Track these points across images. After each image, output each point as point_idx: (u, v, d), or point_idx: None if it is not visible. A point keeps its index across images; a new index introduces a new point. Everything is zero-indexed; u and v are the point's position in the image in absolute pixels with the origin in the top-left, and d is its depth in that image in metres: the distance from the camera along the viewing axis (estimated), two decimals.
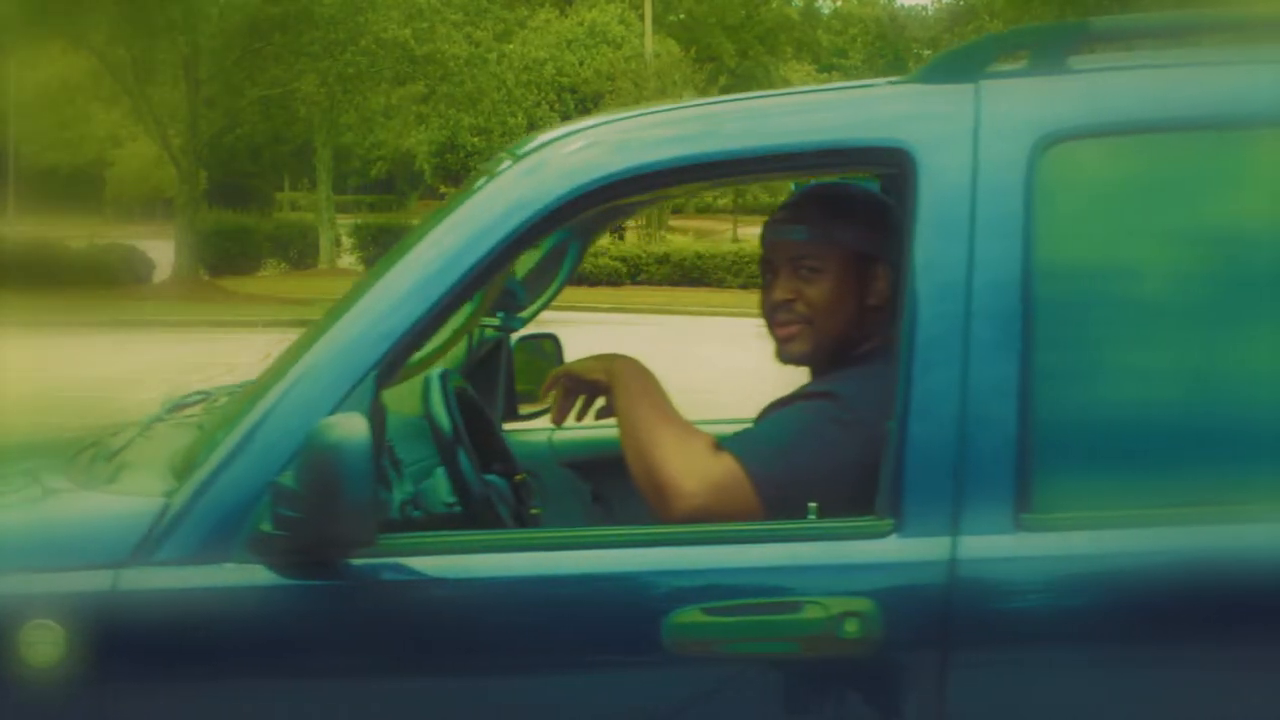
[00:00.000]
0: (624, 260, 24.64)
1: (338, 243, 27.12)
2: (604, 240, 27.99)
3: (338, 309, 1.99)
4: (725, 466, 1.98)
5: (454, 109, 26.74)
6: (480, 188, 2.02)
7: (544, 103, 28.91)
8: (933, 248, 1.87)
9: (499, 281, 2.51)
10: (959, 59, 1.97)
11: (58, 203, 32.30)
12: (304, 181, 31.74)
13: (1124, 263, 1.91)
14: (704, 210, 38.36)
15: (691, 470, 1.97)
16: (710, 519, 1.94)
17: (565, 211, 1.94)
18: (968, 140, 1.89)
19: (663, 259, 24.44)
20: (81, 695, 1.80)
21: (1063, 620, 1.80)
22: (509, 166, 2.02)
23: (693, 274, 23.78)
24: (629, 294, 23.00)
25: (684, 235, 28.58)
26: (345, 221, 29.10)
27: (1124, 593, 1.81)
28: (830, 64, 39.31)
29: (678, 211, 35.53)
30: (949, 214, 1.87)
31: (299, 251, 27.82)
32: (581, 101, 30.38)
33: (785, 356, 2.23)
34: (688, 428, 2.06)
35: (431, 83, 25.46)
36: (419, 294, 1.89)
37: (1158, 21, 2.01)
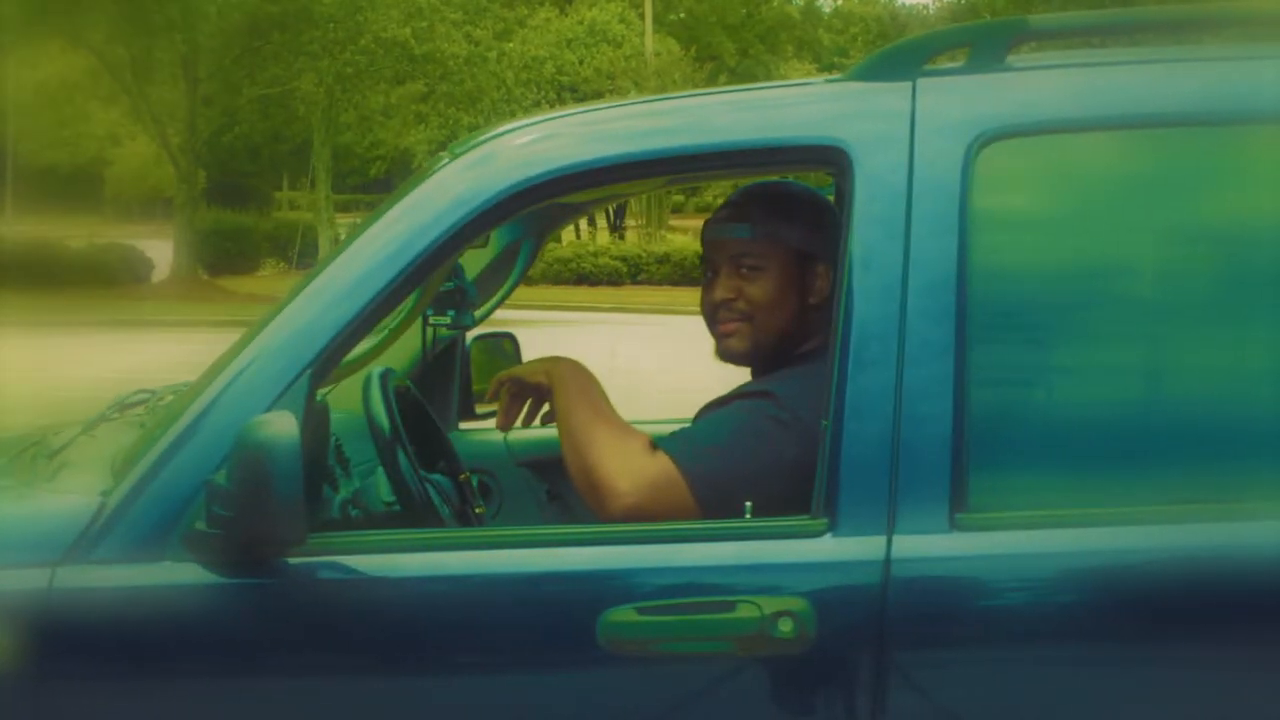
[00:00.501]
0: (624, 260, 24.62)
1: (336, 242, 27.06)
2: (604, 239, 28.05)
3: (277, 307, 1.99)
4: (660, 466, 1.98)
5: (453, 108, 26.71)
6: (422, 182, 2.02)
7: (544, 102, 28.90)
8: (869, 246, 1.87)
9: (438, 279, 2.51)
10: (896, 57, 1.97)
11: (56, 202, 32.32)
12: (303, 181, 31.74)
13: (1061, 261, 1.91)
14: (705, 209, 38.33)
15: (626, 470, 1.98)
16: (645, 518, 1.94)
17: (505, 208, 1.94)
18: (904, 139, 1.89)
19: (663, 258, 24.41)
20: (16, 694, 1.80)
21: (999, 620, 1.80)
22: (449, 163, 2.02)
23: (694, 273, 23.68)
24: (629, 294, 22.98)
25: (684, 234, 28.51)
26: (344, 221, 29.07)
27: (1060, 593, 1.81)
28: (831, 63, 39.31)
29: (678, 210, 35.55)
30: (885, 212, 1.87)
31: (298, 251, 27.83)
32: (582, 100, 30.38)
33: (724, 354, 2.24)
34: (624, 427, 2.06)
35: (431, 82, 25.46)
36: (355, 290, 1.90)
37: (1099, 19, 2.01)
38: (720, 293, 2.20)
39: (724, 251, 2.21)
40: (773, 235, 2.18)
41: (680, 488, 1.97)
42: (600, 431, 2.04)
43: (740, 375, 2.26)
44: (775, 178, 2.33)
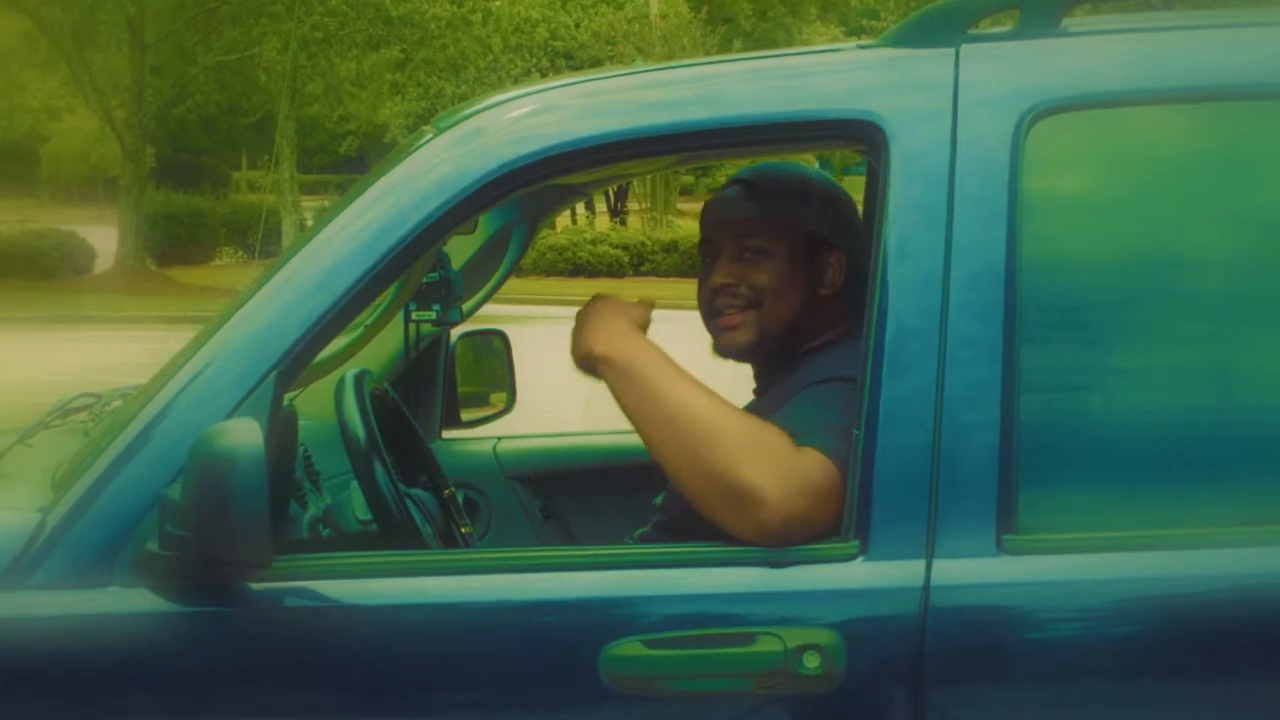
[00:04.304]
0: (625, 249, 24.66)
1: (302, 227, 27.15)
2: (603, 225, 28.08)
3: (238, 300, 2.00)
4: (813, 463, 1.87)
5: (434, 77, 26.80)
6: (402, 161, 2.03)
7: (535, 70, 28.98)
8: (906, 233, 1.87)
9: (420, 270, 2.52)
10: (937, 20, 1.97)
11: None
12: (264, 159, 31.75)
13: (1121, 251, 1.91)
14: (715, 191, 38.32)
15: (774, 471, 1.84)
16: (799, 535, 1.84)
17: (495, 189, 1.95)
18: (945, 112, 1.89)
19: (670, 246, 24.44)
20: None
21: (1051, 655, 1.80)
22: (432, 138, 2.03)
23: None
24: (632, 287, 23.00)
25: (694, 220, 28.49)
26: (311, 204, 29.12)
27: (1120, 624, 1.82)
28: (860, 26, 39.29)
29: (687, 192, 35.58)
30: (924, 195, 1.87)
31: (260, 238, 27.90)
32: (578, 69, 30.42)
33: (726, 348, 2.24)
34: (747, 415, 1.94)
35: (408, 47, 25.50)
36: (327, 283, 1.90)
37: None
38: (720, 277, 2.22)
39: (727, 232, 2.23)
40: (782, 217, 2.20)
41: (838, 486, 1.86)
42: (726, 420, 1.88)
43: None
44: (792, 158, 2.35)
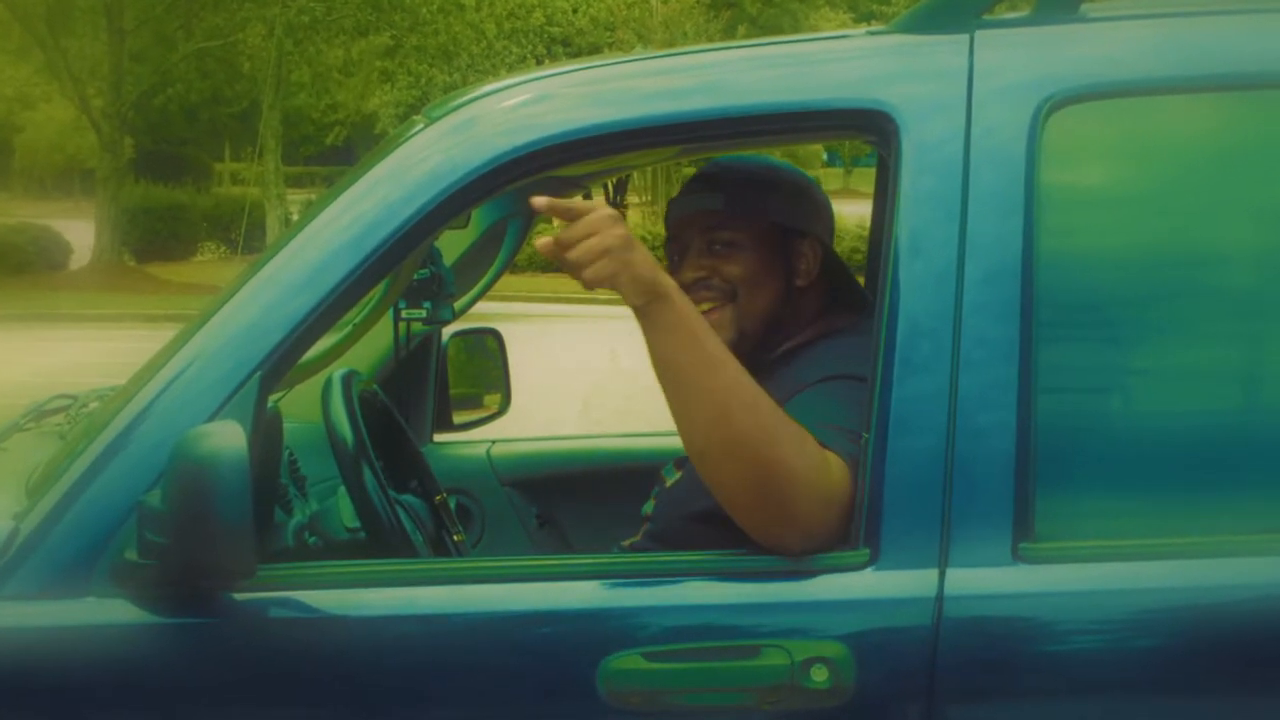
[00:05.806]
0: None
1: (287, 222, 27.16)
2: None
3: (221, 298, 2.00)
4: (843, 472, 1.87)
5: (425, 64, 26.76)
6: (391, 152, 2.03)
7: (531, 57, 28.94)
8: (918, 229, 1.87)
9: (411, 266, 2.53)
10: (951, 5, 1.97)
11: None
12: (248, 150, 31.77)
13: (1143, 246, 1.92)
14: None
15: (817, 484, 1.83)
16: (826, 544, 1.84)
17: (489, 182, 1.95)
18: (960, 102, 1.90)
19: None
20: None
21: (1069, 668, 1.80)
22: (423, 129, 2.03)
23: None
24: None
25: None
26: (297, 197, 29.17)
27: (1141, 636, 1.82)
28: (869, 11, 39.36)
29: None
30: (938, 189, 1.88)
31: (243, 233, 27.94)
32: (576, 55, 30.43)
33: None
34: (785, 415, 1.87)
35: (399, 33, 25.49)
36: (313, 279, 1.90)
37: None
38: (691, 272, 2.23)
39: (694, 227, 2.26)
40: (749, 207, 2.23)
41: (854, 492, 1.86)
42: (771, 422, 1.83)
43: None
44: (800, 149, 2.36)
